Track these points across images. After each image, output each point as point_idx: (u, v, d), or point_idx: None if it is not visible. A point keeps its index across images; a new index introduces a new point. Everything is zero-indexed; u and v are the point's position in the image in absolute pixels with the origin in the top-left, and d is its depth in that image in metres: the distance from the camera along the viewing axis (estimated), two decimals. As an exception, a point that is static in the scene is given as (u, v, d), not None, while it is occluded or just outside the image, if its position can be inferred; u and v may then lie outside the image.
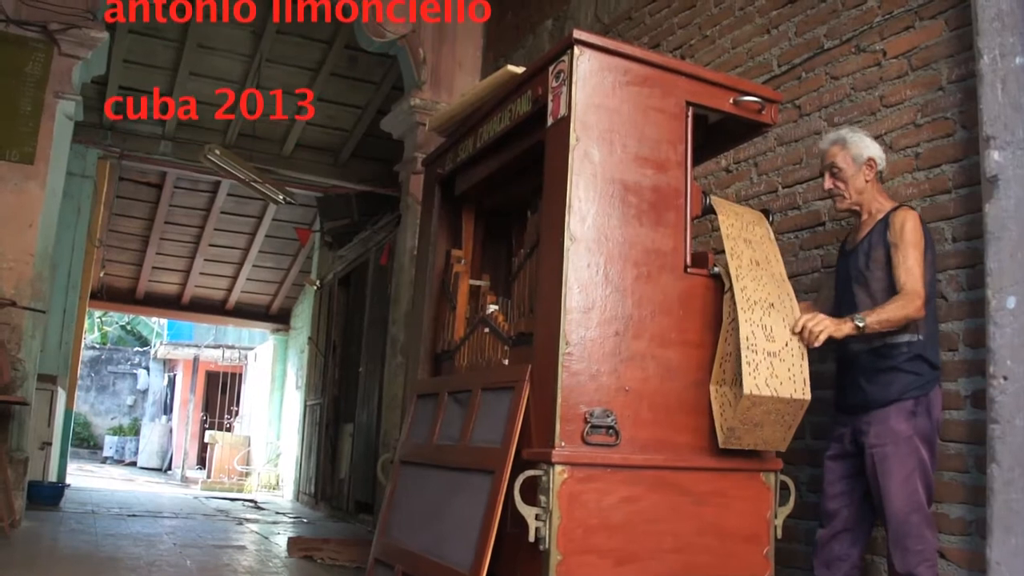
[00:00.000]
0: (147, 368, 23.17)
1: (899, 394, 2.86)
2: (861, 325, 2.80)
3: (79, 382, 12.33)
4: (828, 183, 3.12)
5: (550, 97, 2.85)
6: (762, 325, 2.72)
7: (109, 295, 13.21)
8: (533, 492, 2.54)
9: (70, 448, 10.85)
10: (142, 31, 8.26)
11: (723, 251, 2.87)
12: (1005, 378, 2.75)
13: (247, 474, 14.26)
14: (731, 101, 3.04)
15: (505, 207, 3.83)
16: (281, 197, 9.11)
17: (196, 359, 18.82)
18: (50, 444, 8.26)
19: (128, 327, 25.71)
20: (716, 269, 2.87)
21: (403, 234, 6.92)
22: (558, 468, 2.52)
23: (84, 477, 13.92)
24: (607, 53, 2.82)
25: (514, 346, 3.08)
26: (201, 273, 13.40)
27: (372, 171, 10.25)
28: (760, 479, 2.88)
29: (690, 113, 2.94)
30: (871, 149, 3.07)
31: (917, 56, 3.37)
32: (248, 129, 9.40)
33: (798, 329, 2.77)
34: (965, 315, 3.04)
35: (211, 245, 12.61)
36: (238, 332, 18.65)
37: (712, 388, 2.80)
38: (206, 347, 18.95)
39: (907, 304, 2.82)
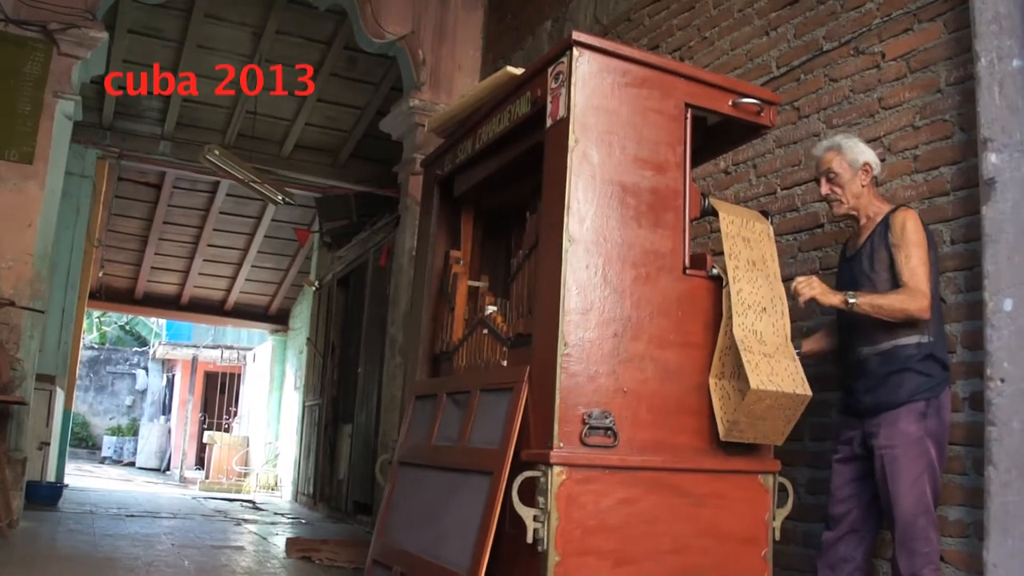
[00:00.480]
0: (146, 368, 23.16)
1: (910, 396, 2.86)
2: (851, 302, 2.86)
3: (78, 382, 12.32)
4: (824, 189, 3.14)
5: (549, 98, 2.85)
6: (754, 330, 2.75)
7: (108, 295, 13.21)
8: (531, 493, 2.54)
9: (68, 448, 10.84)
10: (141, 31, 8.27)
11: (722, 252, 2.88)
12: (1002, 380, 2.75)
13: (245, 475, 14.25)
14: (730, 103, 3.04)
15: (504, 208, 3.83)
16: (280, 197, 9.11)
17: (195, 359, 18.82)
18: (48, 444, 8.26)
19: (127, 327, 25.69)
20: (715, 270, 2.87)
21: (402, 235, 6.93)
22: (556, 469, 2.52)
23: (82, 477, 13.92)
24: (606, 55, 2.83)
25: (512, 347, 3.08)
26: (200, 273, 13.39)
27: (371, 172, 10.26)
28: (758, 481, 2.88)
29: (689, 115, 2.95)
30: (866, 154, 3.09)
31: (916, 58, 3.37)
32: (247, 129, 9.41)
33: (792, 288, 2.89)
34: (963, 317, 3.04)
35: (210, 245, 12.60)
36: (237, 332, 18.65)
37: (712, 381, 2.81)
38: (205, 347, 18.95)
39: (908, 300, 2.83)
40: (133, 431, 22.15)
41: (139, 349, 24.38)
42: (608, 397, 2.64)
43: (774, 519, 2.89)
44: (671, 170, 2.87)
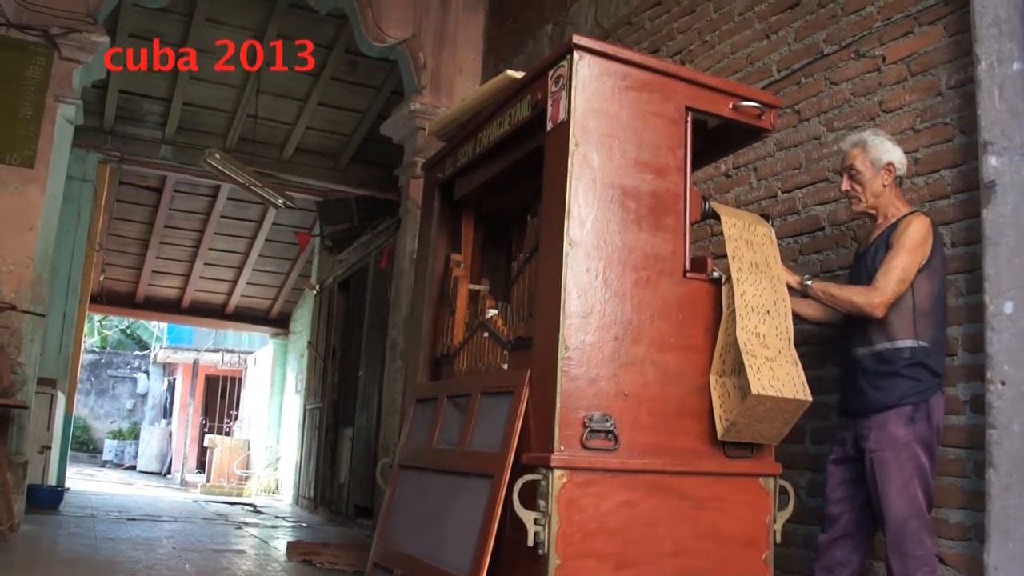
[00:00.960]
0: (147, 372, 23.15)
1: (899, 399, 2.86)
2: (807, 284, 3.01)
3: (79, 386, 12.33)
4: (845, 184, 3.12)
5: (549, 102, 2.86)
6: (757, 333, 2.75)
7: (109, 299, 13.22)
8: (532, 496, 2.54)
9: (69, 452, 10.84)
10: (142, 35, 8.28)
11: (723, 255, 2.88)
12: (1003, 383, 2.75)
13: (246, 478, 14.25)
14: (730, 106, 3.04)
15: (504, 211, 3.84)
16: (281, 201, 9.12)
17: (196, 363, 18.81)
18: (49, 448, 8.26)
19: (128, 331, 25.71)
20: (716, 274, 2.87)
21: (403, 238, 6.93)
22: (557, 472, 2.52)
23: (83, 481, 13.91)
24: (607, 58, 2.83)
25: (513, 350, 3.08)
26: (201, 277, 13.41)
27: (372, 175, 10.27)
28: (759, 484, 2.88)
29: (689, 118, 2.95)
30: (892, 154, 3.05)
31: (916, 61, 3.38)
32: (248, 133, 9.42)
33: None
34: (964, 320, 3.04)
35: (211, 249, 12.62)
36: (238, 336, 18.64)
37: (712, 378, 2.81)
38: (206, 351, 18.94)
39: (861, 294, 2.88)
40: (134, 435, 22.14)
41: (140, 353, 24.38)
42: (609, 400, 2.64)
43: (775, 522, 2.88)
44: (672, 173, 2.88)
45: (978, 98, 2.95)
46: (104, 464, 20.93)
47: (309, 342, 12.27)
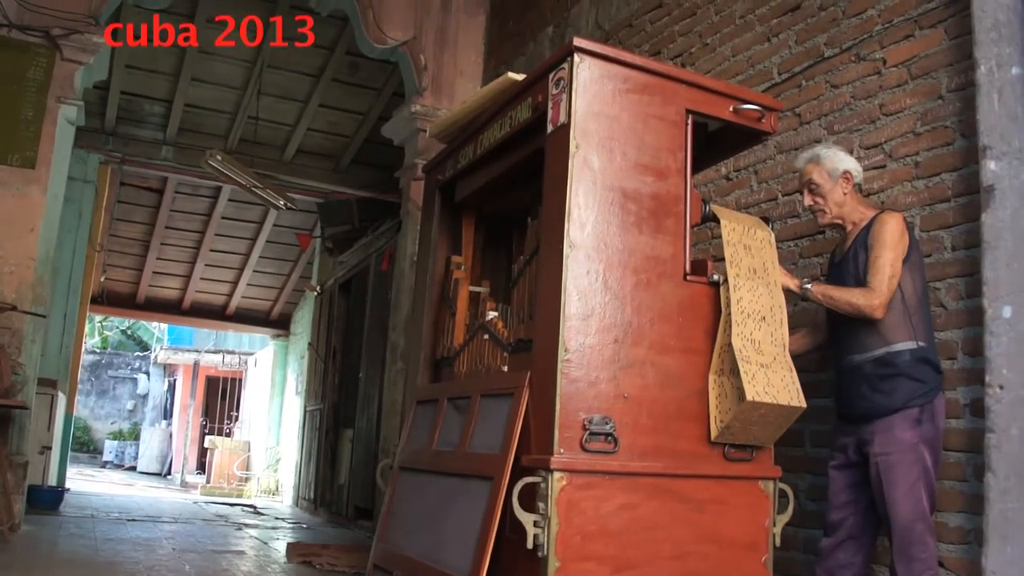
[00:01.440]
0: (147, 373, 23.17)
1: (904, 402, 2.86)
2: (807, 287, 3.00)
3: (79, 386, 12.34)
4: (808, 200, 3.20)
5: (550, 104, 2.86)
6: (752, 339, 2.75)
7: (110, 300, 13.23)
8: (532, 499, 2.54)
9: (70, 452, 10.85)
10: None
11: (723, 258, 2.88)
12: (1001, 387, 2.75)
13: (247, 479, 14.26)
14: (731, 109, 3.04)
15: (505, 213, 3.84)
16: (282, 203, 9.13)
17: (196, 364, 18.82)
18: (50, 448, 8.26)
19: (128, 332, 25.71)
20: (715, 277, 2.88)
21: (403, 240, 6.94)
22: (557, 475, 2.52)
23: (84, 481, 13.92)
24: (607, 61, 2.83)
25: (513, 353, 3.08)
26: (202, 278, 13.42)
27: (373, 177, 10.27)
28: (759, 487, 2.88)
29: (690, 121, 2.95)
30: (846, 163, 3.13)
31: (917, 65, 3.38)
32: (249, 135, 9.43)
33: None
34: (964, 323, 3.04)
35: (212, 250, 12.63)
36: (238, 337, 18.65)
37: (711, 377, 2.81)
38: (206, 352, 18.95)
39: (860, 296, 2.90)
40: (134, 435, 22.15)
41: (141, 354, 24.39)
42: (609, 403, 2.64)
43: (774, 525, 2.88)
44: (672, 176, 2.88)
45: (977, 102, 2.95)
46: (104, 465, 20.94)
47: (310, 343, 12.28)
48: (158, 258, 12.75)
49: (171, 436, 19.93)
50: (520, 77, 3.18)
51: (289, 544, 6.34)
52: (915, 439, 2.83)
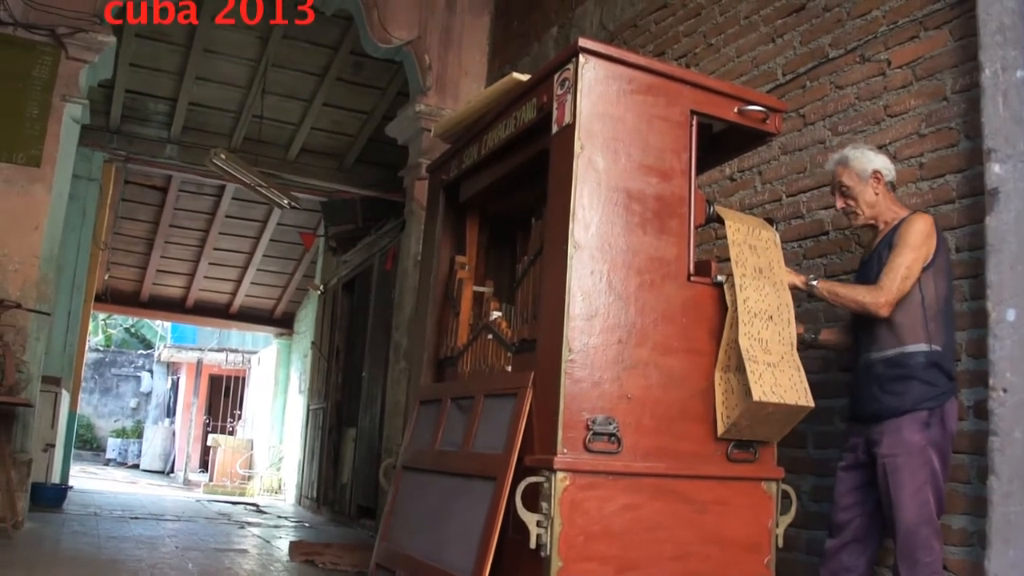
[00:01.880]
0: (150, 371, 23.21)
1: (913, 404, 2.85)
2: (813, 284, 3.00)
3: (83, 384, 12.38)
4: (840, 203, 3.15)
5: (555, 105, 2.86)
6: (759, 339, 2.75)
7: (113, 298, 13.25)
8: (535, 499, 2.55)
9: (73, 450, 10.86)
10: (148, 35, 8.30)
11: (727, 259, 2.88)
12: (1005, 390, 2.75)
13: (249, 478, 14.27)
14: (735, 110, 3.04)
15: (509, 214, 3.84)
16: (286, 202, 9.14)
17: (200, 362, 18.86)
18: (53, 446, 8.27)
19: (132, 330, 25.75)
20: (720, 278, 2.87)
21: (407, 239, 6.94)
22: (560, 475, 2.52)
23: (87, 479, 13.94)
24: (612, 61, 2.83)
25: (517, 353, 3.08)
26: (205, 277, 13.43)
27: (377, 176, 10.28)
28: (761, 488, 2.87)
29: (694, 122, 2.95)
30: (875, 162, 3.08)
31: (922, 66, 3.38)
32: (253, 133, 9.44)
33: None
34: (968, 325, 3.04)
35: (215, 249, 12.64)
36: (242, 336, 18.68)
37: (717, 375, 2.80)
38: (210, 350, 18.98)
39: (866, 293, 2.89)
40: (137, 433, 22.19)
41: (144, 352, 24.43)
42: (612, 403, 2.64)
43: (777, 526, 2.88)
44: (676, 177, 2.88)
45: (982, 105, 2.95)
46: (107, 462, 20.98)
47: (313, 342, 12.29)
48: (162, 256, 12.77)
49: (174, 434, 19.96)
50: (525, 77, 3.18)
51: (292, 543, 6.35)
52: (923, 442, 2.82)
